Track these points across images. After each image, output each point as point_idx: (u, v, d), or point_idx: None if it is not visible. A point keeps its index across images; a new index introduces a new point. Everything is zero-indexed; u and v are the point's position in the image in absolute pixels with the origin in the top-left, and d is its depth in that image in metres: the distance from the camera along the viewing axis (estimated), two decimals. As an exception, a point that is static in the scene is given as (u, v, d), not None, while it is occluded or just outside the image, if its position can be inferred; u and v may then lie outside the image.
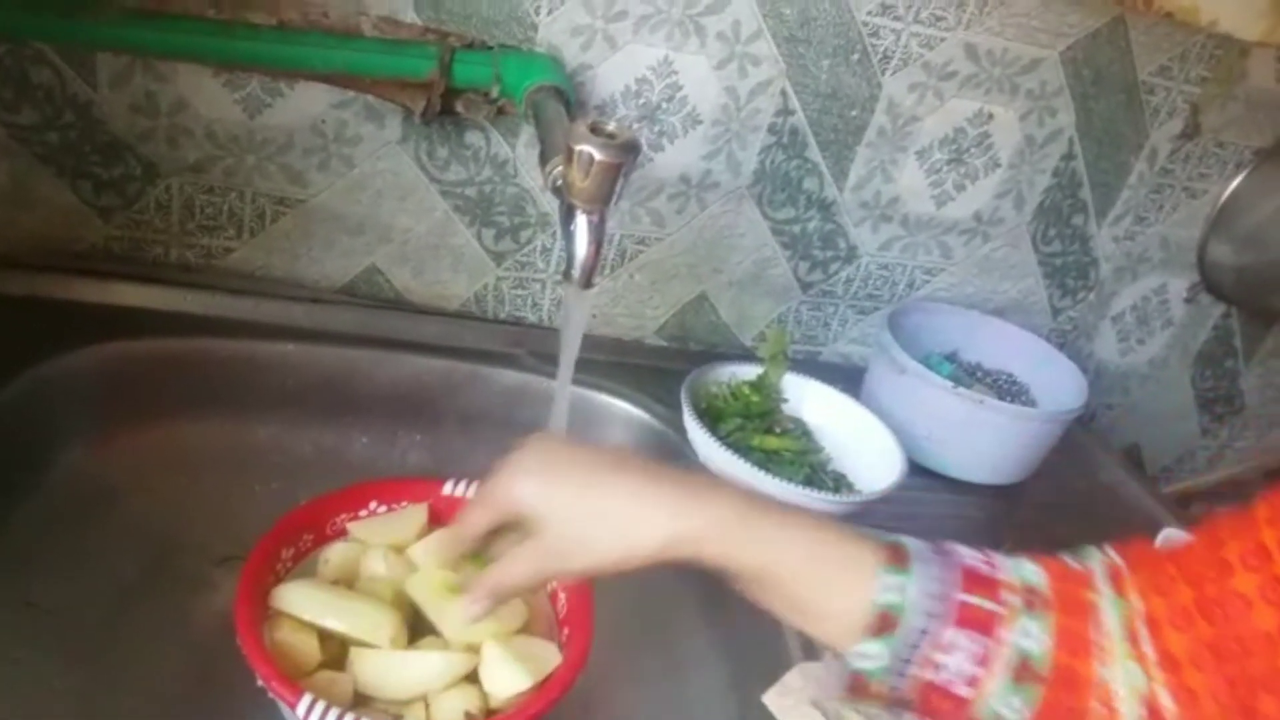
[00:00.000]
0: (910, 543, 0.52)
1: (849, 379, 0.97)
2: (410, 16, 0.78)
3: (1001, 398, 0.99)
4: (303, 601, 0.66)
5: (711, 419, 0.84)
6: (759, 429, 0.84)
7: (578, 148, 0.58)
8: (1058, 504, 0.95)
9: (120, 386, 0.77)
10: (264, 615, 0.66)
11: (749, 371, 0.89)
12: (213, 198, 0.83)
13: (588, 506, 0.55)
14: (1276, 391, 1.32)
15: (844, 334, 1.07)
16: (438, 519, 0.77)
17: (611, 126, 0.60)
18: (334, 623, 0.66)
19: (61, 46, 0.74)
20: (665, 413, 0.88)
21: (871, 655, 0.50)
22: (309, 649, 0.65)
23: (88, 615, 0.68)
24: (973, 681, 0.49)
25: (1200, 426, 1.32)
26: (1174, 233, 1.12)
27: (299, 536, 0.71)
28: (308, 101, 0.80)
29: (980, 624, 0.49)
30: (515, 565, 0.57)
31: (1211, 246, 1.13)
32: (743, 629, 0.76)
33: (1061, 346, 1.14)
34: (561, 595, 0.72)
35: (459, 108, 0.82)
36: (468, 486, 0.78)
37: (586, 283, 0.62)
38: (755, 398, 0.86)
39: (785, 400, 0.89)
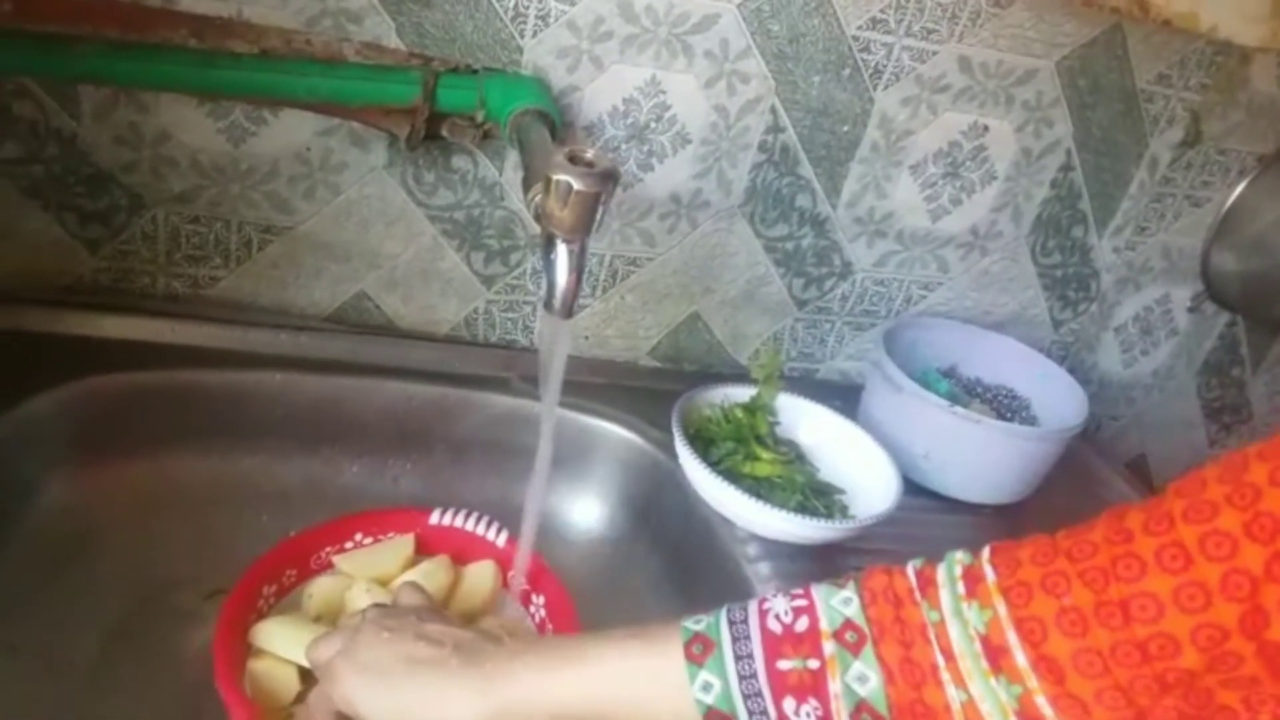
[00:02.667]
0: (717, 623, 0.51)
1: (847, 396, 0.96)
2: (394, 42, 0.77)
3: (1001, 414, 0.98)
4: (282, 639, 0.66)
5: (704, 443, 0.83)
6: (751, 454, 0.82)
7: (555, 177, 0.57)
8: (1059, 523, 0.93)
9: (106, 420, 0.77)
10: (244, 654, 0.65)
11: (742, 393, 0.88)
12: (198, 227, 0.82)
13: (397, 704, 0.54)
14: (1285, 400, 1.30)
15: (841, 350, 1.05)
16: (425, 549, 0.76)
17: (590, 155, 0.59)
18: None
19: (43, 80, 0.74)
20: (659, 436, 0.86)
21: None
22: (288, 680, 0.65)
23: (75, 657, 0.67)
24: None
25: (1208, 437, 1.30)
26: (1176, 241, 1.10)
27: (281, 573, 0.71)
28: (292, 129, 0.79)
29: (807, 687, 0.48)
30: None
31: (1215, 255, 1.11)
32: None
33: (1064, 359, 1.13)
34: (549, 626, 0.71)
35: (444, 132, 0.81)
36: (454, 516, 0.78)
37: (567, 312, 0.61)
38: (748, 421, 0.85)
39: (778, 423, 0.88)
